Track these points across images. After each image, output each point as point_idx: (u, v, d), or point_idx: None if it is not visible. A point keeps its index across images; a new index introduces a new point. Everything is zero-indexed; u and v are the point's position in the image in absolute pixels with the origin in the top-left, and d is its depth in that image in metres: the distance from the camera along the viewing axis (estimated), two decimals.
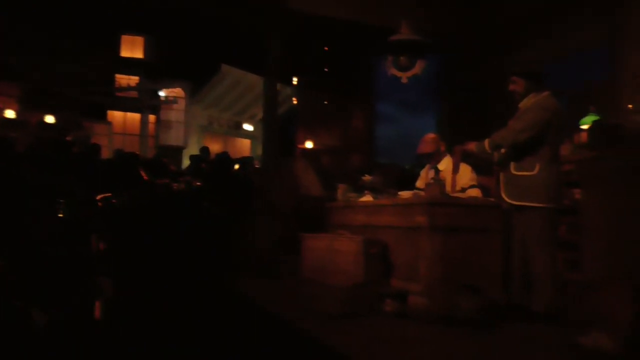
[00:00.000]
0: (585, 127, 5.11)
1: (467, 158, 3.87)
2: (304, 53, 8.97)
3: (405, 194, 4.24)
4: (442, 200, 3.56)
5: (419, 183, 4.71)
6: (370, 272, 3.71)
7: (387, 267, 3.88)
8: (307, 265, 4.03)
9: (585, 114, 5.27)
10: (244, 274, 5.76)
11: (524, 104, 3.67)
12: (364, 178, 4.91)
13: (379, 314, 3.59)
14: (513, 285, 3.67)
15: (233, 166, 7.19)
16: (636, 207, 2.81)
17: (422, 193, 4.50)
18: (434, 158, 4.50)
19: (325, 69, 9.66)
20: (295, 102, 12.29)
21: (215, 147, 11.51)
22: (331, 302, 3.62)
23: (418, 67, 4.59)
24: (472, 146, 3.71)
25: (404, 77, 4.64)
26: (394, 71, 4.64)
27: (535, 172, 3.48)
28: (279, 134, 7.21)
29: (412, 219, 3.61)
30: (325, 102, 9.85)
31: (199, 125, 17.73)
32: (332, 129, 9.99)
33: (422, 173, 4.74)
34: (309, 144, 9.74)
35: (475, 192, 4.13)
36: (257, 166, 8.42)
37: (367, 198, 4.46)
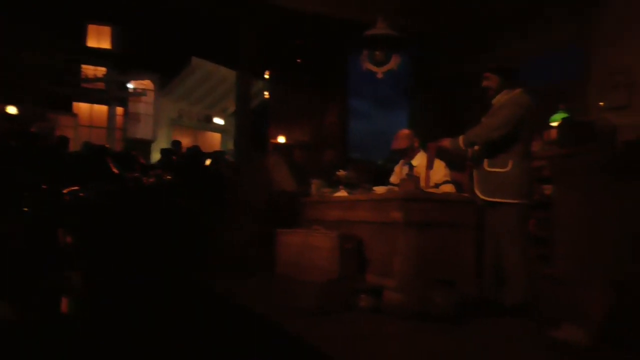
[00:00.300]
0: (555, 124, 5.21)
1: (442, 154, 3.88)
2: (277, 47, 8.86)
3: (379, 190, 4.23)
4: (417, 196, 3.56)
5: (393, 179, 4.71)
6: (345, 268, 3.69)
7: (362, 262, 3.87)
8: (282, 261, 3.99)
9: (555, 111, 5.38)
10: (217, 270, 5.68)
11: (497, 100, 3.70)
12: (338, 173, 4.88)
13: (353, 310, 3.58)
14: (486, 280, 3.72)
15: (205, 160, 7.08)
16: (606, 202, 2.86)
17: (396, 189, 4.51)
18: (407, 154, 4.51)
19: (298, 63, 9.57)
20: (267, 96, 12.17)
21: (185, 141, 11.32)
22: (306, 298, 3.60)
23: (393, 62, 4.58)
24: (446, 143, 3.73)
25: (380, 72, 4.62)
26: (369, 66, 4.62)
27: (508, 168, 3.52)
28: (251, 129, 7.12)
29: (387, 215, 3.61)
30: (298, 97, 9.76)
31: (168, 118, 17.45)
32: (305, 124, 9.90)
33: (396, 169, 4.74)
34: (281, 139, 9.64)
35: (449, 188, 4.16)
36: (229, 160, 8.31)
37: (342, 193, 4.44)
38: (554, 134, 5.08)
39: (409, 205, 3.46)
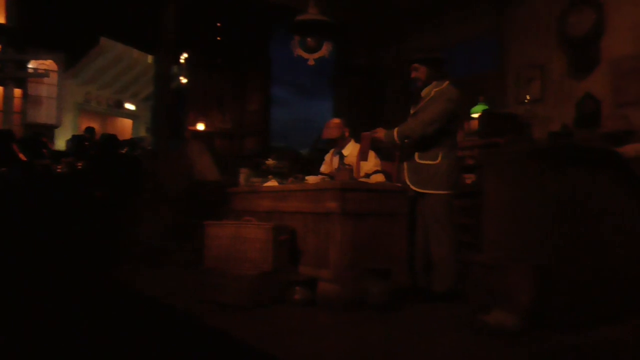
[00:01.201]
0: (475, 115, 5.42)
1: (376, 145, 3.89)
2: (196, 29, 8.51)
3: (312, 180, 4.18)
4: (353, 186, 3.54)
5: (324, 168, 4.67)
6: (279, 260, 3.60)
7: (295, 254, 3.80)
8: (211, 254, 3.82)
9: (473, 102, 5.60)
10: (135, 264, 5.38)
11: (426, 92, 3.75)
12: (267, 162, 4.76)
13: (288, 303, 3.51)
14: (416, 268, 3.80)
15: (121, 148, 6.66)
16: (533, 190, 2.99)
17: (327, 179, 4.47)
18: (339, 143, 4.47)
19: (218, 47, 9.26)
20: (184, 81, 11.69)
21: (93, 127, 10.60)
22: (238, 293, 3.47)
23: (325, 50, 4.51)
24: (380, 134, 3.74)
25: (311, 59, 4.53)
26: (300, 52, 4.51)
27: (438, 161, 3.61)
28: (171, 115, 6.79)
29: (322, 205, 3.55)
30: (218, 83, 9.46)
31: (74, 102, 16.24)
32: (226, 111, 9.63)
33: (326, 158, 4.70)
34: (200, 126, 9.32)
35: (379, 178, 4.18)
36: (147, 148, 7.90)
37: (273, 183, 4.33)
38: (474, 124, 5.30)
39: (345, 196, 3.43)
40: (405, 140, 3.72)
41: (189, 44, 8.95)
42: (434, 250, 3.65)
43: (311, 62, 4.58)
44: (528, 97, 3.59)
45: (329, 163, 4.65)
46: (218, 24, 9.13)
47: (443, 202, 3.63)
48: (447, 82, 3.72)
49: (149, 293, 4.01)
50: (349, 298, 3.40)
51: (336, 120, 4.50)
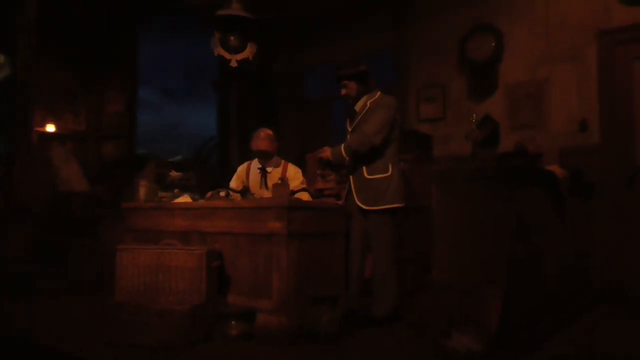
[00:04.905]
0: None
1: (324, 166, 3.58)
2: (44, 10, 7.26)
3: (236, 196, 3.75)
4: (299, 204, 3.21)
5: (236, 184, 4.21)
6: (211, 291, 3.11)
7: (223, 281, 3.34)
8: (124, 286, 3.12)
9: None
10: None
11: (361, 105, 3.59)
12: (171, 174, 4.17)
13: (222, 339, 3.04)
14: (352, 290, 3.58)
15: None
16: (488, 211, 2.97)
17: (239, 194, 4.04)
18: (271, 157, 4.06)
19: (71, 35, 8.03)
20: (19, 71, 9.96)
21: None
22: (165, 331, 2.91)
23: (249, 51, 4.07)
24: (327, 154, 3.46)
25: (233, 60, 4.04)
26: (221, 51, 4.00)
27: (389, 173, 3.44)
28: (26, 114, 5.67)
29: (262, 225, 3.15)
30: (71, 76, 8.20)
31: None
32: (80, 109, 8.41)
33: (240, 172, 4.25)
34: (50, 127, 7.98)
35: (306, 196, 3.87)
36: None
37: (186, 199, 3.77)
38: None
39: (291, 215, 3.08)
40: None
41: (34, 30, 7.58)
42: (377, 270, 3.47)
43: (233, 64, 4.11)
44: (474, 116, 3.64)
45: (242, 178, 4.21)
46: (73, 6, 7.91)
47: (390, 217, 3.44)
48: (379, 93, 3.61)
49: (35, 338, 3.17)
50: (295, 329, 3.06)
51: (268, 131, 4.06)
